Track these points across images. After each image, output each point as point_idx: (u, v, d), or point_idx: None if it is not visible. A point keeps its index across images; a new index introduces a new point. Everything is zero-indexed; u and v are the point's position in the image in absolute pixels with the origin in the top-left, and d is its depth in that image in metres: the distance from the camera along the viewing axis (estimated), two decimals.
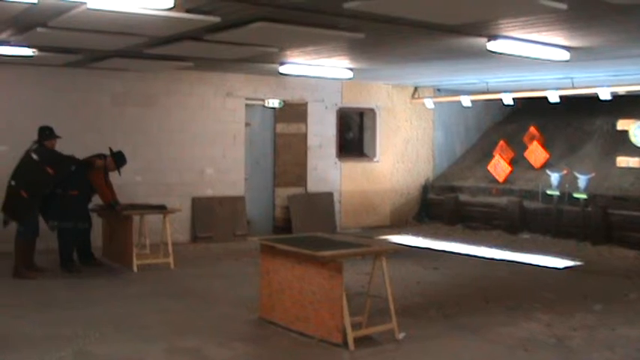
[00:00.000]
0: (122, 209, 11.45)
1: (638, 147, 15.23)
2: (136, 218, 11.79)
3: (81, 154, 11.38)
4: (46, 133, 10.95)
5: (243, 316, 8.47)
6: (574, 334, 7.82)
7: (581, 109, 17.36)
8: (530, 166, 16.84)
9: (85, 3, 7.06)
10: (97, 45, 10.30)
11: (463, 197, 17.37)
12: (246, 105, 15.45)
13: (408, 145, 18.08)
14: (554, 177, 15.40)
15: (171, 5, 6.92)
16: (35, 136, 10.92)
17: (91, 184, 11.23)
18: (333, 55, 11.66)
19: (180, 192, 14.51)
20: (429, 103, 17.71)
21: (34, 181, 10.70)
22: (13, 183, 10.64)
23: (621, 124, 15.84)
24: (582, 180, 14.83)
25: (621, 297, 9.80)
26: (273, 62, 12.48)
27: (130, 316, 8.51)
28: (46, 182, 10.77)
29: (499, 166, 17.03)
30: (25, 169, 10.72)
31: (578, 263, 12.49)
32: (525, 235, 15.53)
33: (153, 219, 12.39)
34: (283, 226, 15.78)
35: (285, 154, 16.06)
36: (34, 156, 10.74)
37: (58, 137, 11.06)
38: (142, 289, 10.13)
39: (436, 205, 17.94)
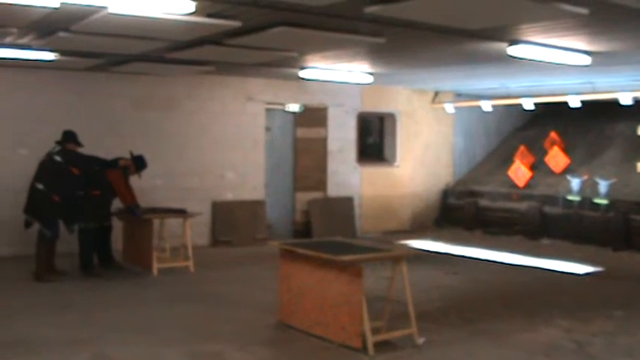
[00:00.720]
0: (142, 214, 11.51)
1: None
2: (157, 222, 11.82)
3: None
4: (70, 137, 11.05)
5: (262, 320, 8.47)
6: (594, 339, 7.78)
7: (602, 114, 17.28)
8: (551, 172, 16.77)
9: (107, 7, 7.10)
10: (118, 49, 10.38)
11: (483, 202, 17.33)
12: (267, 109, 15.49)
13: (428, 149, 18.06)
14: (575, 182, 15.34)
15: (193, 10, 6.95)
16: (56, 140, 10.98)
17: (111, 185, 11.29)
18: (353, 60, 11.67)
19: (201, 196, 14.55)
20: (450, 107, 17.67)
21: (63, 183, 10.77)
22: (40, 187, 10.67)
23: None
24: (603, 185, 14.76)
25: None
26: (293, 67, 12.50)
27: (149, 320, 8.54)
28: (74, 183, 10.86)
29: (519, 171, 16.97)
30: (51, 173, 10.77)
31: (598, 269, 12.42)
32: (545, 241, 15.46)
33: (173, 222, 12.43)
34: (303, 230, 15.81)
35: (305, 158, 16.07)
36: (57, 158, 10.81)
37: (80, 145, 11.14)
38: (162, 292, 10.16)
39: (456, 210, 17.90)
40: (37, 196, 10.70)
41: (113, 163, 11.32)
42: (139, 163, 11.58)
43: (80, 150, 11.14)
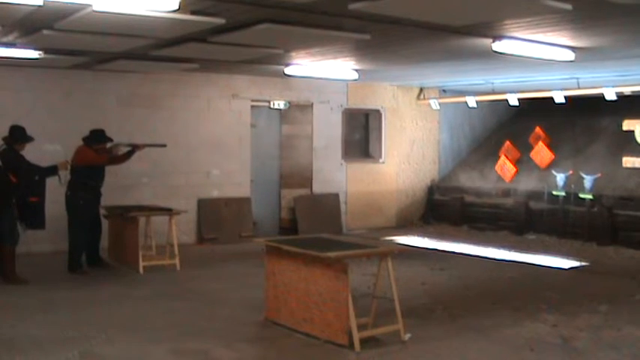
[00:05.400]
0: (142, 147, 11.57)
1: None
2: (142, 220, 11.80)
3: None
4: (17, 135, 10.44)
5: (249, 317, 8.48)
6: (580, 334, 7.81)
7: (586, 109, 17.33)
8: (536, 167, 16.81)
9: (91, 5, 7.08)
10: (102, 47, 10.34)
11: (469, 198, 17.36)
12: (252, 106, 15.47)
13: (413, 146, 18.08)
14: (560, 177, 15.39)
15: (176, 7, 6.94)
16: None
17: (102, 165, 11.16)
18: (338, 56, 11.67)
19: (186, 193, 14.53)
20: (435, 103, 17.71)
21: None
22: None
23: (627, 125, 15.80)
24: (588, 180, 14.82)
25: (627, 297, 9.78)
26: (278, 63, 12.49)
27: (136, 318, 8.53)
28: (7, 190, 10.17)
29: (505, 167, 17.02)
30: None
31: (583, 264, 12.47)
32: (531, 236, 15.51)
33: (159, 220, 12.41)
34: (289, 227, 15.79)
35: (291, 155, 16.08)
36: None
37: (31, 140, 10.57)
38: (148, 290, 10.13)
39: (442, 206, 17.94)
40: None
41: (54, 168, 10.69)
42: (97, 138, 11.28)
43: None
